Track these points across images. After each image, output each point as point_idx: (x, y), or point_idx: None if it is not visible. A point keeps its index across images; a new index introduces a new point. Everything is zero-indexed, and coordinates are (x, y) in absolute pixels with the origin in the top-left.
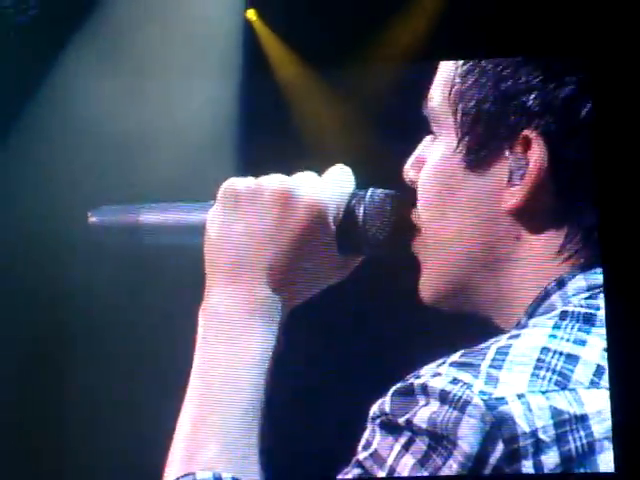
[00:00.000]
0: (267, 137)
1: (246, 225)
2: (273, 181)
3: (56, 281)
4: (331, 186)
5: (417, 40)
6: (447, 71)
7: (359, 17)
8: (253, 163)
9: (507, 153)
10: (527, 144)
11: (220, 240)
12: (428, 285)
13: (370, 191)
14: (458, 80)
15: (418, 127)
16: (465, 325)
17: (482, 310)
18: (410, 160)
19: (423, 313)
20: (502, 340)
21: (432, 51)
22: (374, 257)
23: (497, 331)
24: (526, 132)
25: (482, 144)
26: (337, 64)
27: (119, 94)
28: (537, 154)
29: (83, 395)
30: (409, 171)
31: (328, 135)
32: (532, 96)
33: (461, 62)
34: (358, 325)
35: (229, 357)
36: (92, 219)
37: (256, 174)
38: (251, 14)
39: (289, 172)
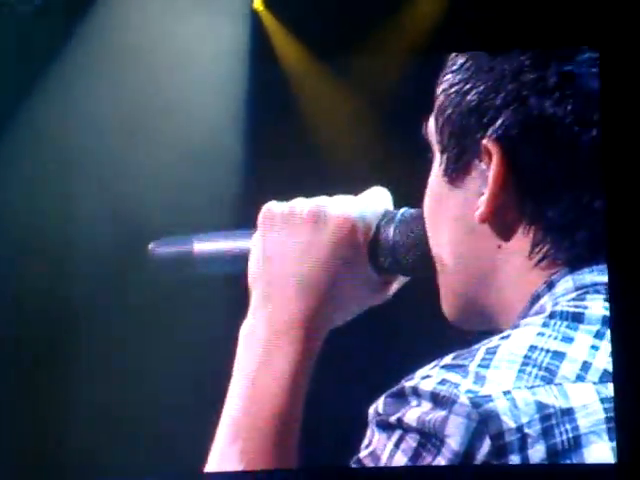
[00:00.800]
0: (273, 128)
1: (280, 246)
2: (305, 202)
3: (63, 283)
4: (361, 204)
5: (429, 30)
6: (439, 85)
7: (368, 6)
8: (259, 155)
9: (477, 163)
10: (488, 153)
11: (257, 262)
12: (445, 306)
13: (402, 210)
14: (440, 96)
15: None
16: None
17: (494, 324)
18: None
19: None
20: (493, 341)
21: (445, 41)
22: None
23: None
24: (484, 141)
25: (457, 158)
26: (345, 55)
27: (123, 85)
28: (494, 161)
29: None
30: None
31: (334, 127)
32: (488, 104)
33: (444, 75)
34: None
35: (261, 376)
36: (154, 251)
37: (262, 165)
38: (258, 4)
39: (294, 164)
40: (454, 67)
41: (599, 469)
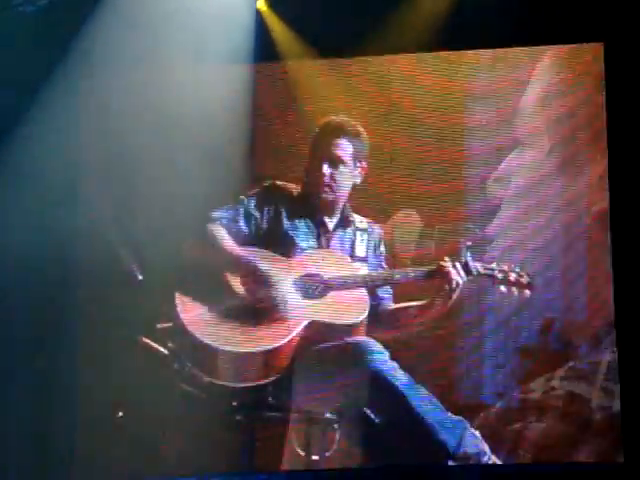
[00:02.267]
0: (277, 125)
1: None
2: None
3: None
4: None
5: (432, 27)
6: (541, 72)
7: (370, 4)
8: (263, 151)
9: (599, 159)
10: None
11: None
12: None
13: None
14: (553, 82)
15: (430, 123)
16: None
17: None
18: (494, 175)
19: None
20: (607, 355)
21: (451, 38)
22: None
23: (568, 344)
24: None
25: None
26: (348, 53)
27: (129, 85)
28: None
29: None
30: (492, 185)
31: None
32: None
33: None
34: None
35: None
36: None
37: (266, 161)
38: (261, 4)
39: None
40: None
41: (607, 468)
